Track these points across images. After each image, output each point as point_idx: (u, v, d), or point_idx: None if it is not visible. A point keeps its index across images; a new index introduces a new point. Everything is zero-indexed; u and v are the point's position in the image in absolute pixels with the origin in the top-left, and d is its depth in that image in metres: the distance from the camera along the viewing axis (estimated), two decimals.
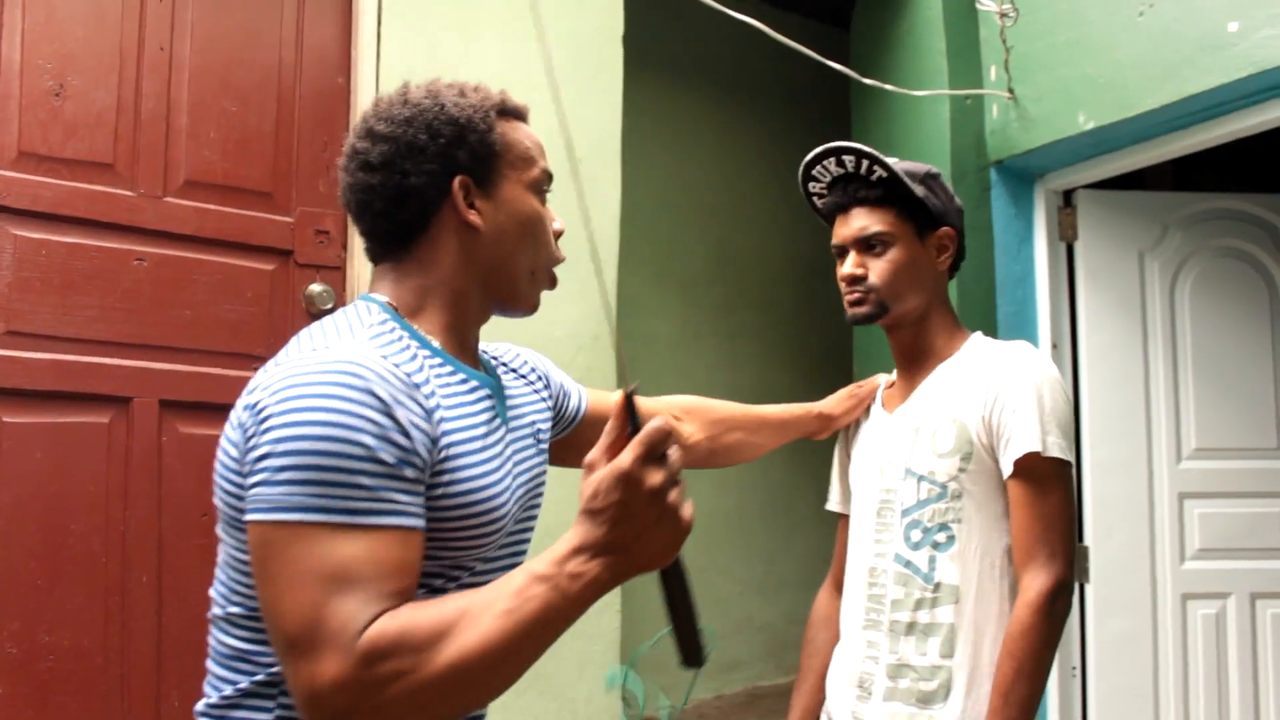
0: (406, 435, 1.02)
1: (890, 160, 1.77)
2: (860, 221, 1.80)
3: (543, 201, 1.26)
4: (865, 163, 1.79)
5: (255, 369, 2.64)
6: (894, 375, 1.99)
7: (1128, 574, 3.20)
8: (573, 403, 1.54)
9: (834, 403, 1.98)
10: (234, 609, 1.09)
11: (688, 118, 4.52)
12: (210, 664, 1.12)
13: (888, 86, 3.31)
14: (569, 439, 1.52)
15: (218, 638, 1.11)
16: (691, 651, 1.02)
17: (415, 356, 1.11)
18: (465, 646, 0.92)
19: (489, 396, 1.22)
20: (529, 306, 1.27)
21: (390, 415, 1.00)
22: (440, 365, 1.15)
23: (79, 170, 2.33)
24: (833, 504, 2.06)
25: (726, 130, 4.66)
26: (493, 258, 1.21)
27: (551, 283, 1.28)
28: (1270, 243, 3.36)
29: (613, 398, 1.58)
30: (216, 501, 1.09)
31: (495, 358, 1.38)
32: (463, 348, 1.23)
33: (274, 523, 0.96)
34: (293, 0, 2.67)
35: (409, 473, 1.01)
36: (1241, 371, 3.30)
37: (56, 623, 2.23)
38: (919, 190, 1.79)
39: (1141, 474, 3.25)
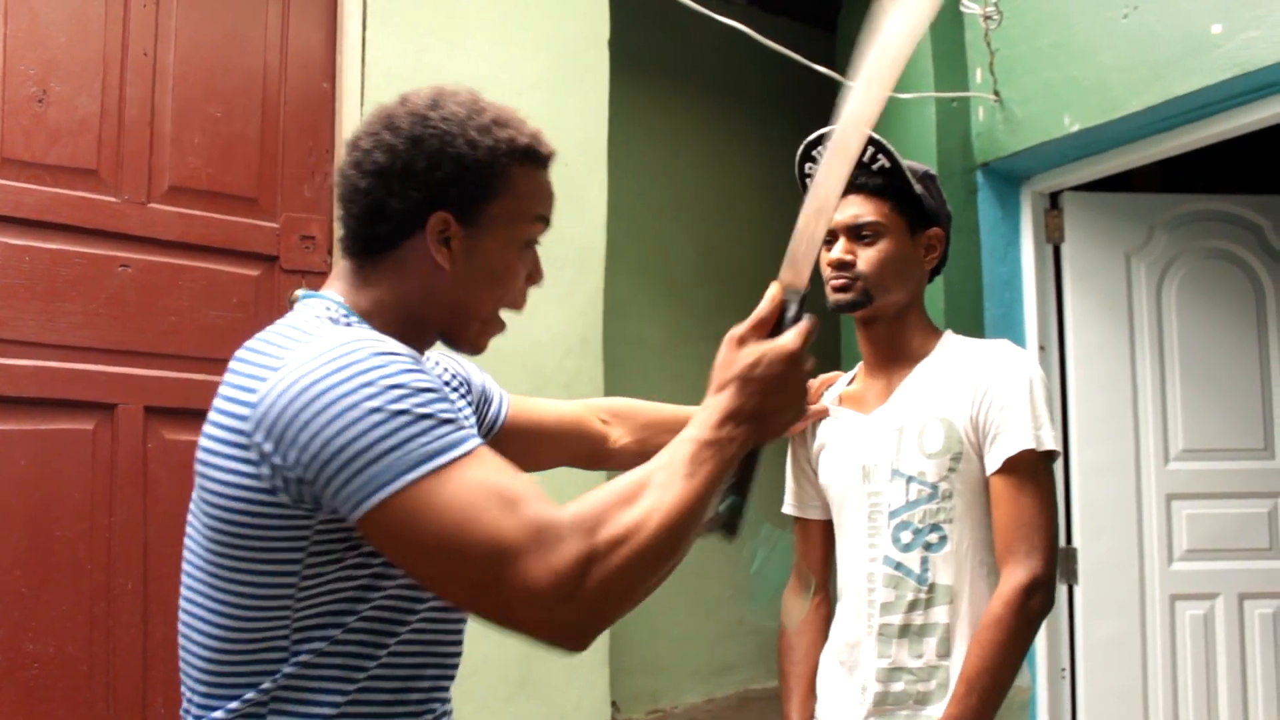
0: (437, 383, 1.02)
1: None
2: (855, 209, 1.78)
3: (530, 253, 1.22)
4: (870, 150, 1.77)
5: None
6: (853, 373, 1.99)
7: (1116, 575, 3.21)
8: (492, 409, 1.49)
9: None
10: (217, 631, 1.05)
11: (674, 121, 4.51)
12: (193, 685, 1.08)
13: None
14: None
15: (201, 656, 1.07)
16: (732, 523, 1.11)
17: None
18: (671, 503, 0.97)
19: None
20: (472, 349, 1.23)
21: (416, 368, 1.00)
22: None
23: (63, 176, 2.32)
24: (790, 507, 2.03)
25: (713, 133, 4.66)
26: (450, 300, 1.16)
27: (501, 327, 1.24)
28: (1256, 244, 3.37)
29: (542, 405, 1.58)
30: (219, 525, 1.03)
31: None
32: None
33: (397, 493, 0.93)
34: (277, 5, 2.66)
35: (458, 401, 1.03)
36: (1228, 373, 3.31)
37: (41, 630, 2.22)
38: (917, 187, 1.79)
39: (1129, 475, 3.25)
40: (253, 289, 2.55)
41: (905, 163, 1.79)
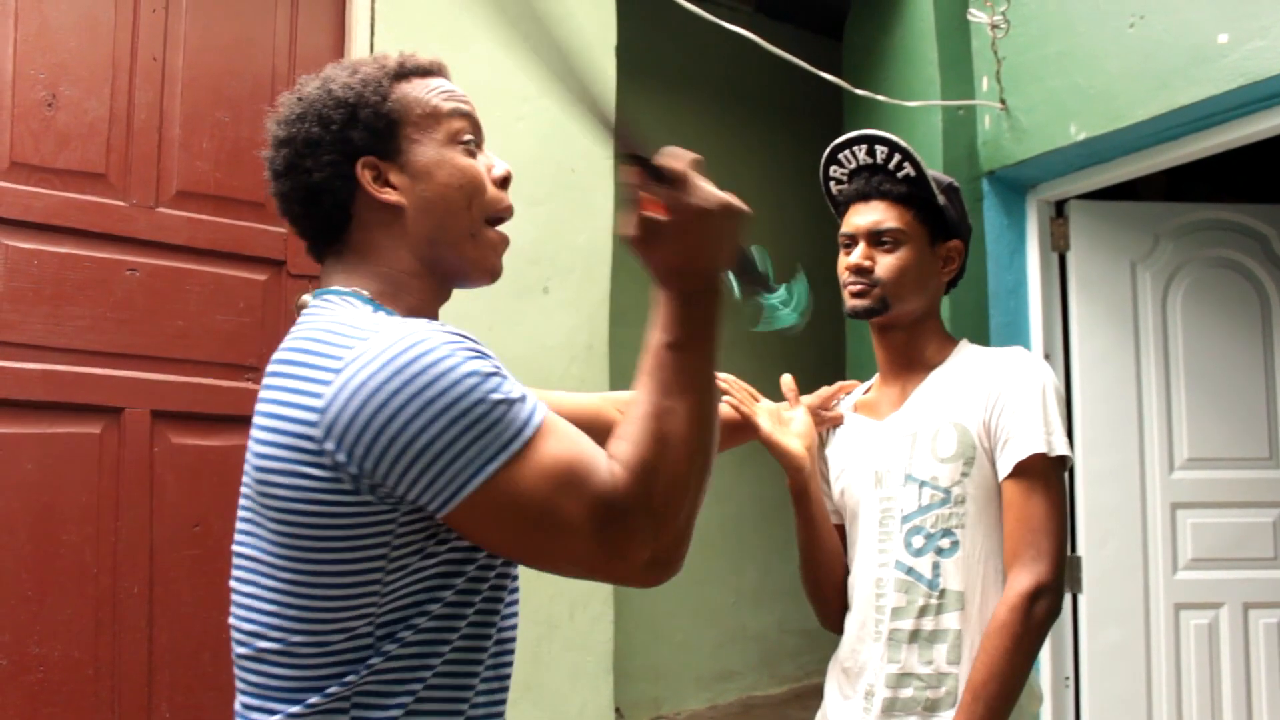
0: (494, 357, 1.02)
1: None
2: (878, 214, 1.78)
3: (470, 153, 1.16)
4: (896, 157, 1.78)
5: (248, 379, 2.60)
6: (870, 383, 1.99)
7: (1120, 584, 3.20)
8: None
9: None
10: (296, 638, 1.02)
11: (681, 128, 4.51)
12: (262, 682, 1.04)
13: (880, 97, 3.32)
14: None
15: (277, 653, 1.03)
16: (760, 283, 1.20)
17: None
18: (692, 430, 1.00)
19: None
20: (485, 271, 1.18)
21: (482, 352, 1.00)
22: None
23: (71, 180, 2.33)
24: None
25: (719, 140, 4.67)
26: (426, 230, 1.13)
27: (501, 239, 1.19)
28: (1261, 253, 3.37)
29: (560, 397, 1.53)
30: (294, 532, 1.00)
31: None
32: None
33: (480, 486, 0.95)
34: (285, 11, 2.67)
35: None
36: (1233, 381, 3.31)
37: (47, 634, 2.22)
38: (940, 198, 1.79)
39: (1134, 484, 3.25)
40: (260, 293, 2.55)
41: (930, 172, 1.79)
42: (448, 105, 1.16)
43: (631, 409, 1.01)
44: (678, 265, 1.02)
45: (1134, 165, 3.11)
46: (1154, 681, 3.18)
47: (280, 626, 1.03)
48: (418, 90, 1.15)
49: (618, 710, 3.36)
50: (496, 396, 0.96)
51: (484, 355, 0.99)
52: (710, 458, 1.02)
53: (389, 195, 1.11)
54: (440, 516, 0.97)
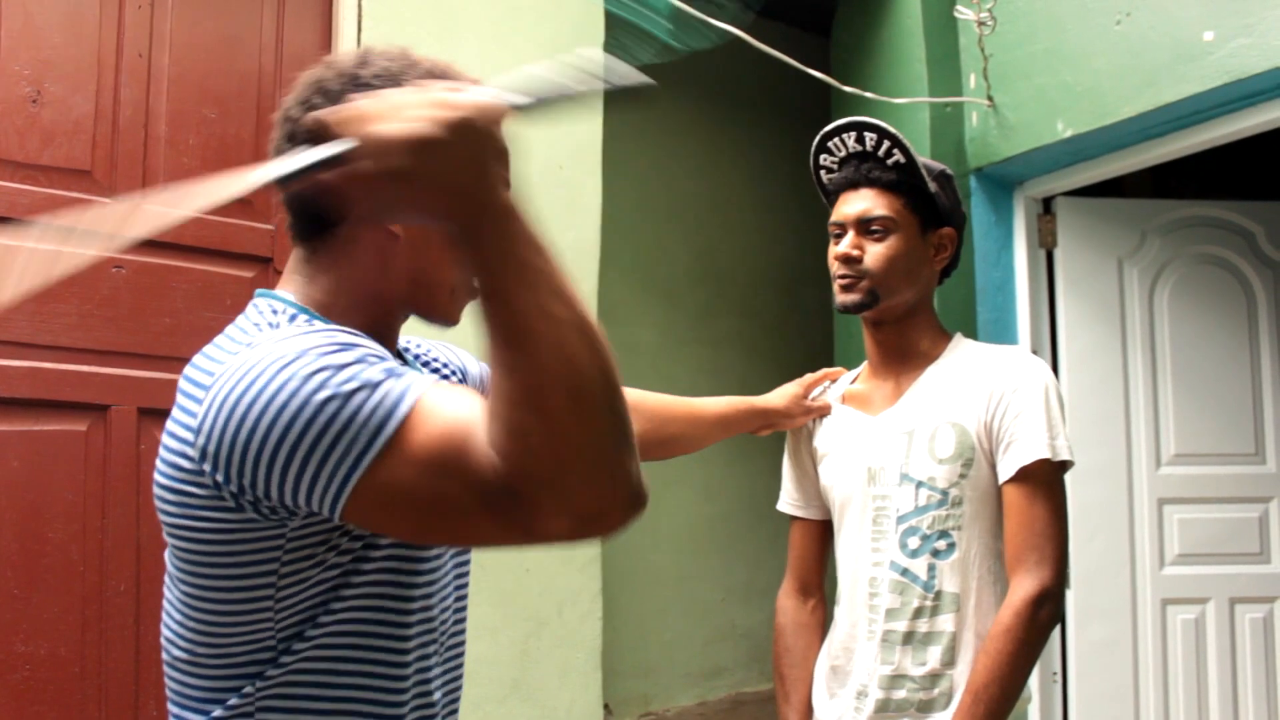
0: (377, 352, 0.96)
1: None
2: (866, 202, 1.76)
3: None
4: (886, 144, 1.76)
5: None
6: (857, 372, 1.97)
7: (1108, 579, 3.22)
8: None
9: (780, 400, 1.93)
10: (200, 649, 1.04)
11: (669, 124, 4.52)
12: (178, 690, 1.07)
13: (868, 94, 3.32)
14: None
15: (184, 663, 1.05)
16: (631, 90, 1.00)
17: None
18: (561, 376, 0.84)
19: None
20: (447, 320, 1.15)
21: (344, 344, 0.94)
22: None
23: (56, 177, 2.31)
24: (786, 505, 2.00)
25: (708, 136, 4.66)
26: (412, 269, 1.09)
27: (475, 294, 1.09)
28: (1248, 250, 3.39)
29: None
30: (187, 550, 1.00)
31: (413, 354, 1.28)
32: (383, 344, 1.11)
33: (360, 481, 0.89)
34: (272, 7, 2.66)
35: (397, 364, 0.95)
36: (1220, 378, 3.33)
37: (33, 632, 2.21)
38: (931, 185, 1.77)
39: (1121, 480, 3.26)
40: (247, 290, 2.51)
41: (921, 159, 1.77)
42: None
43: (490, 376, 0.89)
44: (426, 209, 0.87)
45: (1121, 162, 3.12)
46: (1141, 676, 3.19)
47: (185, 636, 1.04)
48: None
49: (606, 707, 3.36)
50: (351, 385, 0.89)
51: (346, 347, 0.93)
52: (591, 385, 0.85)
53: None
54: (336, 519, 0.93)
